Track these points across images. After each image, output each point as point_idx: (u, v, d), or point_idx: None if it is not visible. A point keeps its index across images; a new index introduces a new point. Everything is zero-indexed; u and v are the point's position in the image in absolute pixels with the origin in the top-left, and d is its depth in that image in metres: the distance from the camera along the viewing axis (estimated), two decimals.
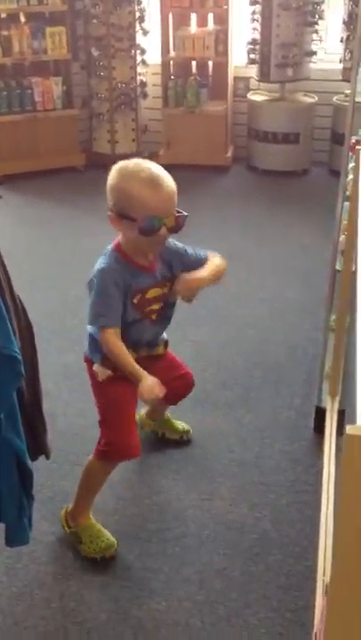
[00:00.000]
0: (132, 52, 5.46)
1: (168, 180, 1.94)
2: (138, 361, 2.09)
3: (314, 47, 5.32)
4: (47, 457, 1.93)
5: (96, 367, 2.14)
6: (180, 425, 2.68)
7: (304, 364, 3.15)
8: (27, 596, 2.06)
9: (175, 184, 1.97)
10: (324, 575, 1.83)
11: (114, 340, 2.01)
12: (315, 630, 1.67)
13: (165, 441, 2.65)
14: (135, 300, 2.05)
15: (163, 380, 2.27)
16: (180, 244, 2.17)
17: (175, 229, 1.98)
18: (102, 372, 2.13)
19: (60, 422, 2.70)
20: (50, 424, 2.03)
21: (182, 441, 2.65)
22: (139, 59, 5.51)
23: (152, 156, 5.74)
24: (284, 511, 2.35)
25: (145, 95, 5.65)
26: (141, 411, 2.63)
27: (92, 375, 2.18)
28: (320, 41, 5.35)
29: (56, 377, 2.96)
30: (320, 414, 2.64)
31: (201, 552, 2.20)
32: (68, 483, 2.43)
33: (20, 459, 1.70)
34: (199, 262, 2.13)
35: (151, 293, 2.07)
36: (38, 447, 1.87)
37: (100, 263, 2.04)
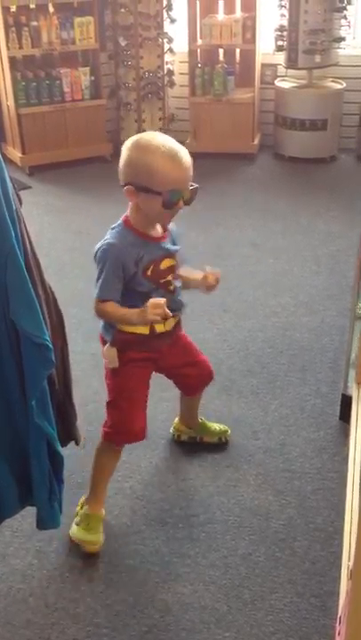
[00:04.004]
0: (160, 40, 5.46)
1: (186, 154, 1.99)
2: (153, 341, 2.14)
3: (342, 33, 5.27)
4: (77, 443, 1.98)
5: (106, 350, 2.15)
6: (217, 427, 2.64)
7: (330, 352, 3.15)
8: (57, 579, 2.11)
9: (190, 160, 2.00)
10: (349, 560, 1.85)
11: (111, 308, 2.04)
12: (339, 614, 1.70)
13: (205, 445, 2.62)
14: (149, 272, 2.07)
15: (175, 365, 2.34)
16: (181, 236, 2.23)
17: (190, 201, 2.03)
18: (111, 358, 2.14)
19: (89, 410, 2.74)
20: (79, 411, 2.07)
21: (221, 443, 2.62)
22: (166, 47, 5.52)
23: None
24: (310, 498, 2.37)
25: (172, 84, 5.65)
26: (175, 420, 2.65)
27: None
28: (349, 26, 5.30)
29: (85, 365, 3.00)
30: (346, 402, 2.64)
31: (226, 537, 2.23)
32: None
33: (51, 444, 1.74)
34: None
35: (165, 264, 2.11)
36: (68, 433, 1.91)
37: (110, 236, 2.08)
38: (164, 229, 2.12)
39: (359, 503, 1.99)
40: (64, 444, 1.88)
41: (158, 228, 2.12)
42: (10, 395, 1.70)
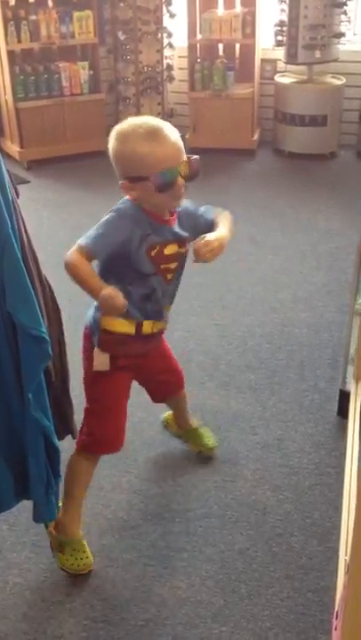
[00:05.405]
0: (159, 35, 5.44)
1: (168, 128, 1.83)
2: (139, 343, 2.03)
3: (342, 28, 5.26)
4: (73, 436, 1.97)
5: (96, 353, 2.01)
6: (206, 441, 2.52)
7: (329, 348, 3.15)
8: (53, 573, 2.11)
9: (176, 132, 1.86)
10: (346, 555, 1.85)
11: (85, 262, 1.81)
12: (336, 609, 1.69)
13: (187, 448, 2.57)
14: (153, 253, 1.91)
15: (155, 370, 2.23)
16: (191, 206, 2.03)
17: (192, 176, 1.85)
18: (100, 361, 2.01)
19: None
20: (76, 405, 2.07)
21: (200, 455, 2.53)
22: (165, 42, 5.50)
23: None
24: (308, 493, 2.37)
25: (171, 79, 5.64)
26: (167, 413, 2.60)
27: (88, 356, 2.06)
28: (349, 22, 5.29)
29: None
30: (344, 398, 2.64)
31: (224, 532, 2.23)
32: None
33: (48, 437, 1.74)
34: (208, 226, 2.01)
35: (169, 249, 1.94)
36: (65, 427, 1.91)
37: (120, 203, 1.92)
38: (172, 214, 1.96)
39: (356, 498, 1.99)
40: (61, 437, 1.88)
41: (167, 213, 1.96)
42: (6, 388, 1.69)
